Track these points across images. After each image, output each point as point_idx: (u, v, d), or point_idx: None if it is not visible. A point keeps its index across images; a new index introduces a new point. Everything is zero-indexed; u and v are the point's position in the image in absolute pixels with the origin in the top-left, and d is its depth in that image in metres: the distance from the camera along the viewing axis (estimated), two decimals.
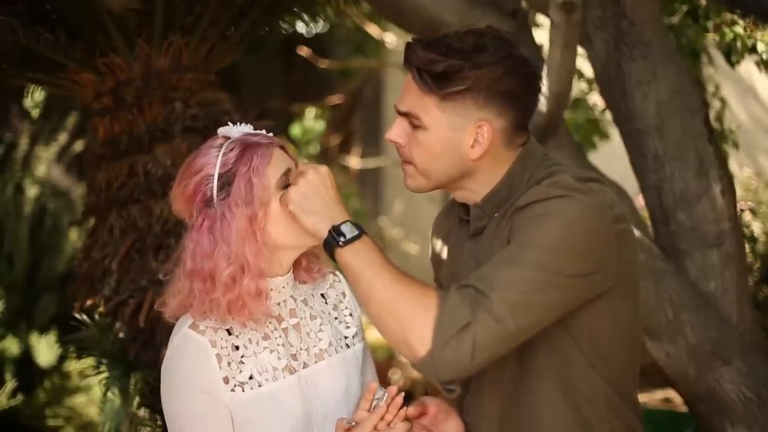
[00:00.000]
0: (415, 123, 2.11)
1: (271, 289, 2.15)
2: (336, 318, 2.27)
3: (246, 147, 2.10)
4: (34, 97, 4.30)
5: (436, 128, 2.10)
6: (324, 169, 2.11)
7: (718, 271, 3.25)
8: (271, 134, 2.18)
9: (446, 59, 2.06)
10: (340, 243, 2.02)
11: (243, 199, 2.06)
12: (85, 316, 3.65)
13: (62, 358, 5.66)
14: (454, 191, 2.20)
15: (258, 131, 2.17)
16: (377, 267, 2.01)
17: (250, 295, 2.07)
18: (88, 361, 4.47)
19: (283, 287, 2.18)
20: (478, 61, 2.05)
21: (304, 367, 2.17)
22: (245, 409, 2.10)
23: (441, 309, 1.95)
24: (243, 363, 2.12)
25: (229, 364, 2.10)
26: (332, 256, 2.04)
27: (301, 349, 2.19)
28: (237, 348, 2.12)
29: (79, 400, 5.52)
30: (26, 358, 5.67)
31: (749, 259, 4.41)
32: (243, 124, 2.17)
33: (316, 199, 2.07)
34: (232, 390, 2.09)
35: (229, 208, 2.06)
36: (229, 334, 2.12)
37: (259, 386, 2.11)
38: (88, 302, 3.64)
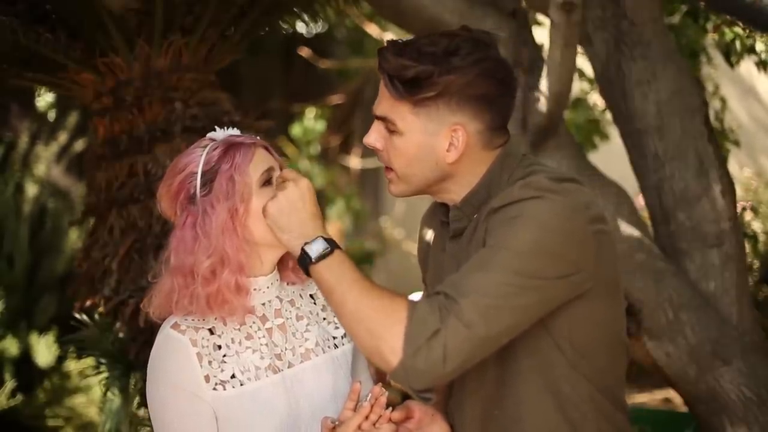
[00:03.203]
0: (391, 128, 2.11)
1: (255, 289, 2.17)
2: (324, 318, 2.28)
3: (229, 146, 2.14)
4: (44, 100, 4.30)
5: (410, 133, 2.10)
6: (304, 183, 2.12)
7: (718, 271, 3.25)
8: (256, 137, 2.21)
9: (417, 65, 2.04)
10: (312, 260, 2.03)
11: (224, 194, 2.10)
12: (85, 316, 3.65)
13: (62, 359, 5.66)
14: (435, 194, 2.19)
15: (243, 134, 2.20)
16: (349, 281, 2.02)
17: (230, 289, 2.10)
18: (88, 361, 4.48)
19: (268, 287, 2.20)
20: (449, 66, 2.04)
21: (289, 367, 2.18)
22: (228, 408, 2.12)
23: (411, 318, 1.95)
24: (225, 362, 2.13)
25: (210, 363, 2.12)
26: (307, 272, 2.06)
27: (286, 349, 2.20)
28: (219, 347, 2.14)
29: (79, 400, 5.52)
30: (26, 358, 5.67)
31: (749, 259, 4.41)
32: (230, 128, 2.21)
33: (293, 215, 2.09)
34: (214, 388, 2.11)
35: (211, 203, 2.10)
36: (211, 333, 2.15)
37: (241, 385, 2.13)
38: (88, 302, 3.64)
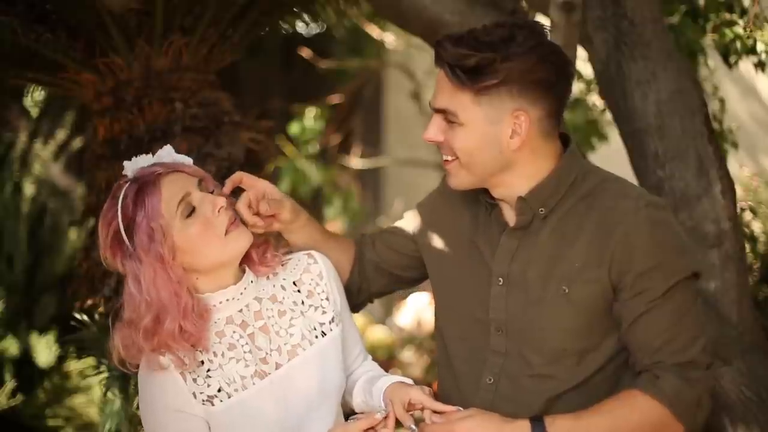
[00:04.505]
0: (451, 119, 2.12)
1: (221, 302, 2.16)
2: (311, 305, 2.26)
3: (137, 190, 2.10)
4: (34, 97, 4.30)
5: (473, 123, 2.11)
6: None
7: (718, 271, 3.24)
8: (171, 153, 2.17)
9: (477, 53, 2.06)
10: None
11: (145, 248, 2.08)
12: (85, 316, 3.65)
13: (62, 358, 5.65)
14: (493, 188, 2.21)
15: (155, 161, 2.16)
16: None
17: (173, 337, 2.09)
18: (88, 361, 4.47)
19: (241, 293, 2.19)
20: (509, 53, 2.06)
21: (277, 368, 2.18)
22: (219, 420, 2.13)
23: (669, 401, 2.14)
24: (210, 377, 2.14)
25: (194, 380, 2.13)
26: None
27: (271, 350, 2.19)
28: (202, 363, 2.14)
29: (79, 400, 5.51)
30: (26, 358, 5.66)
31: (749, 259, 4.40)
32: (143, 155, 2.17)
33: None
34: (203, 404, 2.12)
35: (139, 258, 2.10)
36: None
37: (229, 397, 2.13)
38: (88, 302, 3.64)
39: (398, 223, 2.54)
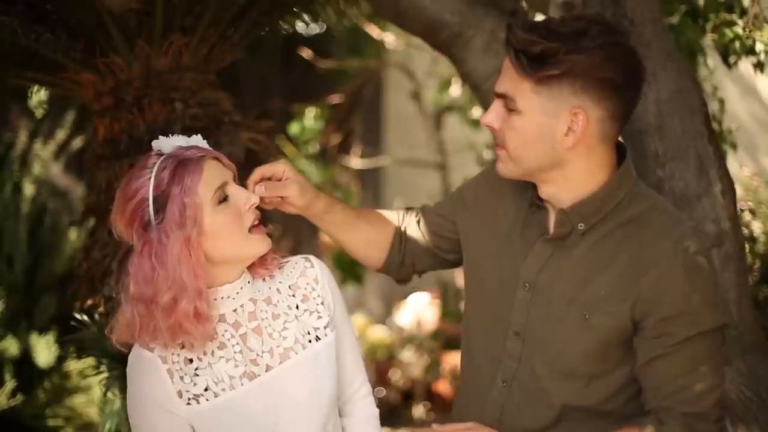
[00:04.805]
0: (510, 106, 2.08)
1: (222, 297, 2.15)
2: (306, 310, 2.24)
3: (178, 164, 2.08)
4: (38, 97, 4.30)
5: (530, 113, 2.06)
6: None
7: (718, 271, 3.24)
8: (204, 142, 2.16)
9: (544, 42, 2.01)
10: None
11: (177, 223, 2.05)
12: (85, 316, 3.65)
13: (62, 358, 5.65)
14: (541, 184, 2.16)
15: (191, 143, 2.15)
16: None
17: (188, 318, 2.06)
18: (88, 361, 4.48)
19: (237, 292, 2.17)
20: (576, 46, 2.01)
21: (267, 370, 2.16)
22: (205, 420, 2.12)
23: None
24: (197, 375, 2.12)
25: (181, 378, 2.12)
26: None
27: (263, 352, 2.17)
28: (190, 361, 2.13)
29: (79, 400, 5.51)
30: (26, 358, 5.66)
31: (749, 259, 4.40)
32: (176, 135, 2.16)
33: None
34: (188, 403, 2.11)
35: (166, 232, 2.06)
36: (182, 347, 2.13)
37: (216, 396, 2.12)
38: (88, 302, 3.64)
39: (442, 204, 2.50)
